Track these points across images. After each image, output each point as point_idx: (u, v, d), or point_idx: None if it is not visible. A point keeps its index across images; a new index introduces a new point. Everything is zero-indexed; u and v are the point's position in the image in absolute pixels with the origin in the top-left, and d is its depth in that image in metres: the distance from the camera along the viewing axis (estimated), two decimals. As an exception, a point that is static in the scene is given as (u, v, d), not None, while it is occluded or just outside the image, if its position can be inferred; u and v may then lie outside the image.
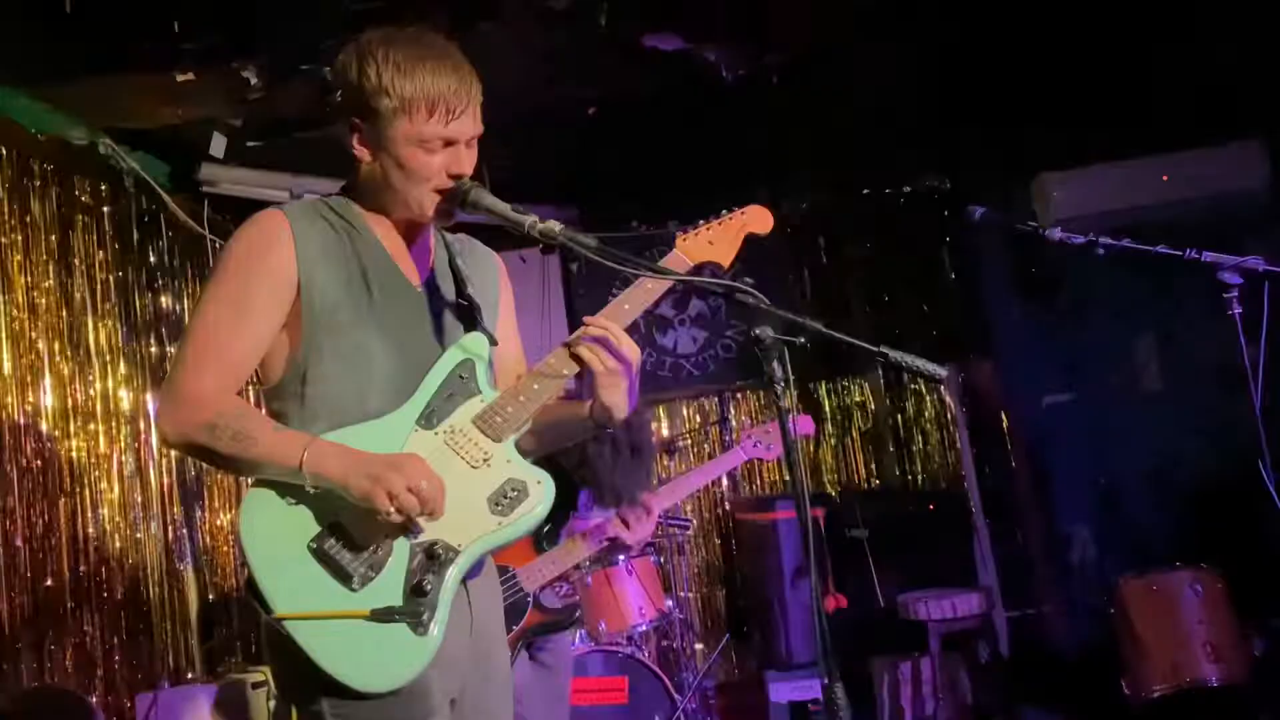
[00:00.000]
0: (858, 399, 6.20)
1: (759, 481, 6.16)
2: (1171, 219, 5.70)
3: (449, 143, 1.92)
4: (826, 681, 1.66)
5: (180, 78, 4.00)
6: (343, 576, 1.78)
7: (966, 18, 4.44)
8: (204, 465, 4.70)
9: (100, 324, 4.27)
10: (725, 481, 6.19)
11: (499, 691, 2.05)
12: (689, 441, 6.25)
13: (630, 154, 5.51)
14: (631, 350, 1.95)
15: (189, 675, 4.31)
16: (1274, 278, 2.32)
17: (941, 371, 1.77)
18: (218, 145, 4.52)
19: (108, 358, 4.27)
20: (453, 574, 1.81)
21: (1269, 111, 5.58)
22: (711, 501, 6.21)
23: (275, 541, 1.80)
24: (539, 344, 5.93)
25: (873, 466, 6.16)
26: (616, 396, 1.97)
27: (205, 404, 1.85)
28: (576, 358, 1.94)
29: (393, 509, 1.76)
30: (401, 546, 1.82)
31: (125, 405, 4.29)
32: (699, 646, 5.72)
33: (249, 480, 1.90)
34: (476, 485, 1.87)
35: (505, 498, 1.87)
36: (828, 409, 6.23)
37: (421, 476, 1.78)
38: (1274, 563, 4.36)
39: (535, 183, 5.74)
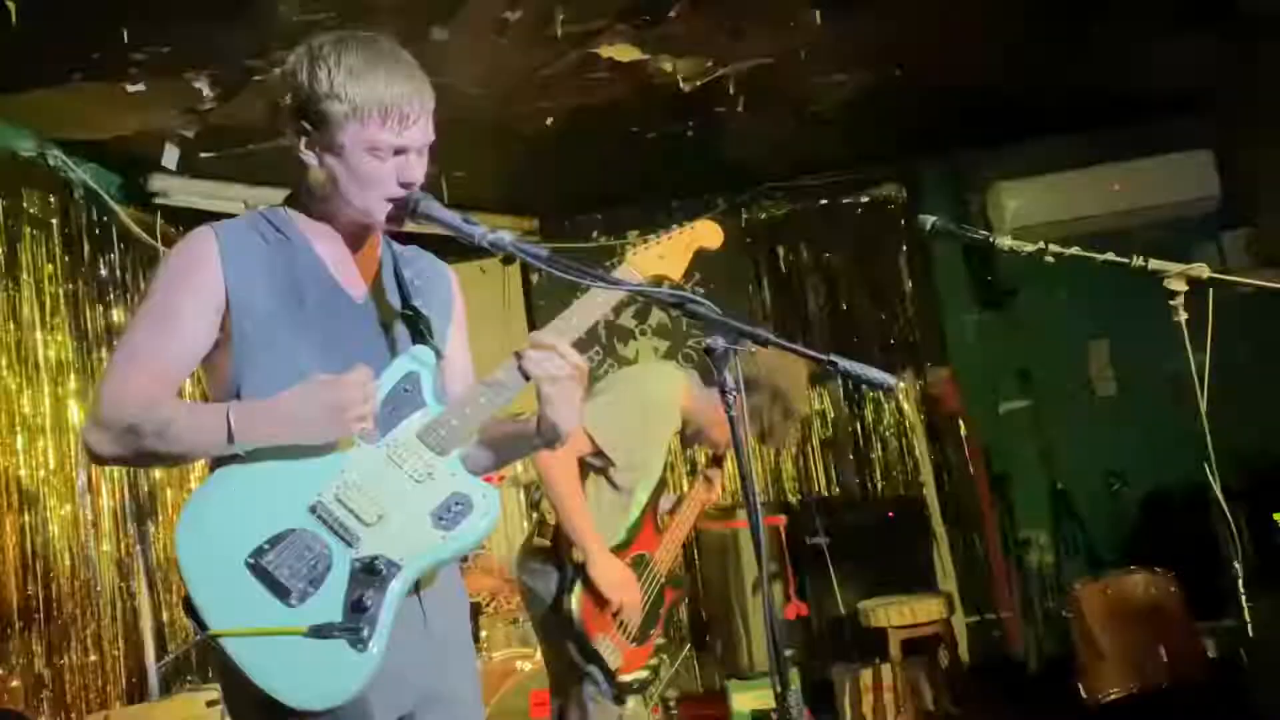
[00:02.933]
0: (817, 407, 6.22)
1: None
2: (1124, 227, 5.82)
3: (400, 150, 1.90)
4: (779, 690, 1.66)
5: (130, 88, 3.95)
6: (281, 592, 1.75)
7: (923, 27, 4.49)
8: (156, 480, 4.64)
9: (50, 338, 4.20)
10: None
11: (465, 702, 2.02)
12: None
13: (588, 165, 5.52)
14: (579, 365, 1.94)
15: (142, 695, 4.23)
16: (1218, 284, 2.36)
17: (890, 380, 1.77)
18: (170, 156, 4.47)
19: (57, 372, 4.20)
20: (395, 589, 1.79)
21: (1218, 123, 5.70)
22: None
23: (211, 557, 1.78)
24: (499, 355, 5.90)
25: (833, 474, 6.19)
26: (564, 412, 1.96)
27: (125, 406, 1.82)
28: (523, 372, 1.93)
29: (343, 421, 1.77)
30: (342, 561, 1.79)
31: (75, 420, 4.22)
32: (662, 657, 5.71)
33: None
34: (420, 499, 1.85)
35: (449, 511, 1.85)
36: (788, 417, 6.25)
37: (356, 384, 1.79)
38: (1225, 565, 4.42)
39: (494, 193, 5.74)
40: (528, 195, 5.97)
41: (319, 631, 1.73)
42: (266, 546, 1.78)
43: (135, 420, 1.81)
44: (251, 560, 1.77)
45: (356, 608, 1.76)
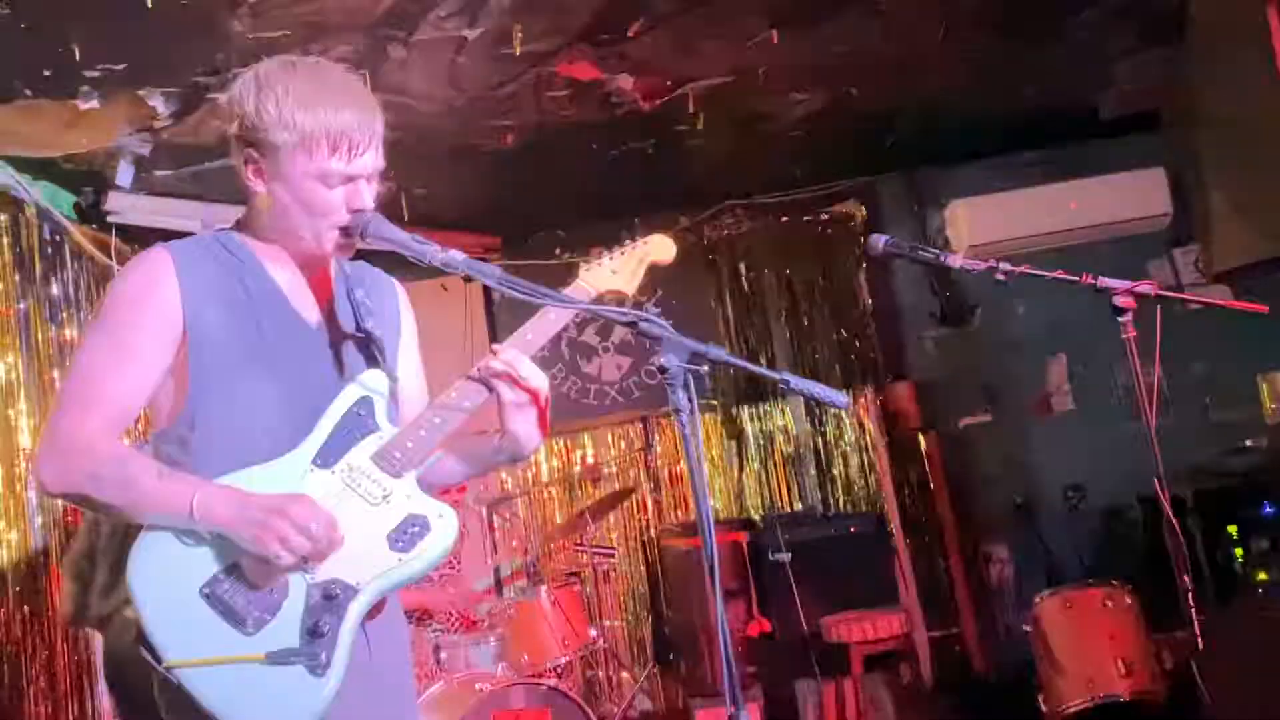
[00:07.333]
0: (780, 423, 6.24)
1: (684, 507, 6.16)
2: (1079, 244, 5.91)
3: (350, 178, 1.89)
4: (732, 710, 1.66)
5: (83, 105, 3.90)
6: (236, 620, 1.74)
7: (880, 47, 4.53)
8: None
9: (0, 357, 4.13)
10: (650, 507, 6.18)
11: None
12: (614, 469, 6.23)
13: (550, 182, 5.52)
14: (538, 379, 1.95)
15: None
16: (1165, 302, 2.39)
17: (842, 399, 1.78)
18: (124, 174, 4.41)
19: (7, 392, 4.12)
20: (352, 613, 1.78)
21: (1170, 142, 5.79)
22: (637, 528, 6.20)
23: (165, 587, 1.76)
24: (463, 372, 5.87)
25: (795, 490, 6.21)
26: (526, 426, 1.97)
27: (88, 452, 1.79)
28: (485, 385, 1.92)
29: (283, 553, 1.72)
30: (298, 587, 1.78)
31: (26, 441, 4.14)
32: (624, 675, 5.68)
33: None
34: (376, 523, 1.84)
35: (406, 534, 1.84)
36: (750, 433, 6.28)
37: (309, 518, 1.74)
38: (1180, 578, 4.46)
39: (454, 211, 5.72)
40: (489, 213, 5.95)
41: (277, 658, 1.72)
42: (222, 575, 1.76)
43: (100, 470, 1.78)
44: (206, 590, 1.75)
45: (314, 633, 1.75)
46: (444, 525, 1.86)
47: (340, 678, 1.75)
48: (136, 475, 1.79)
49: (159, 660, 1.71)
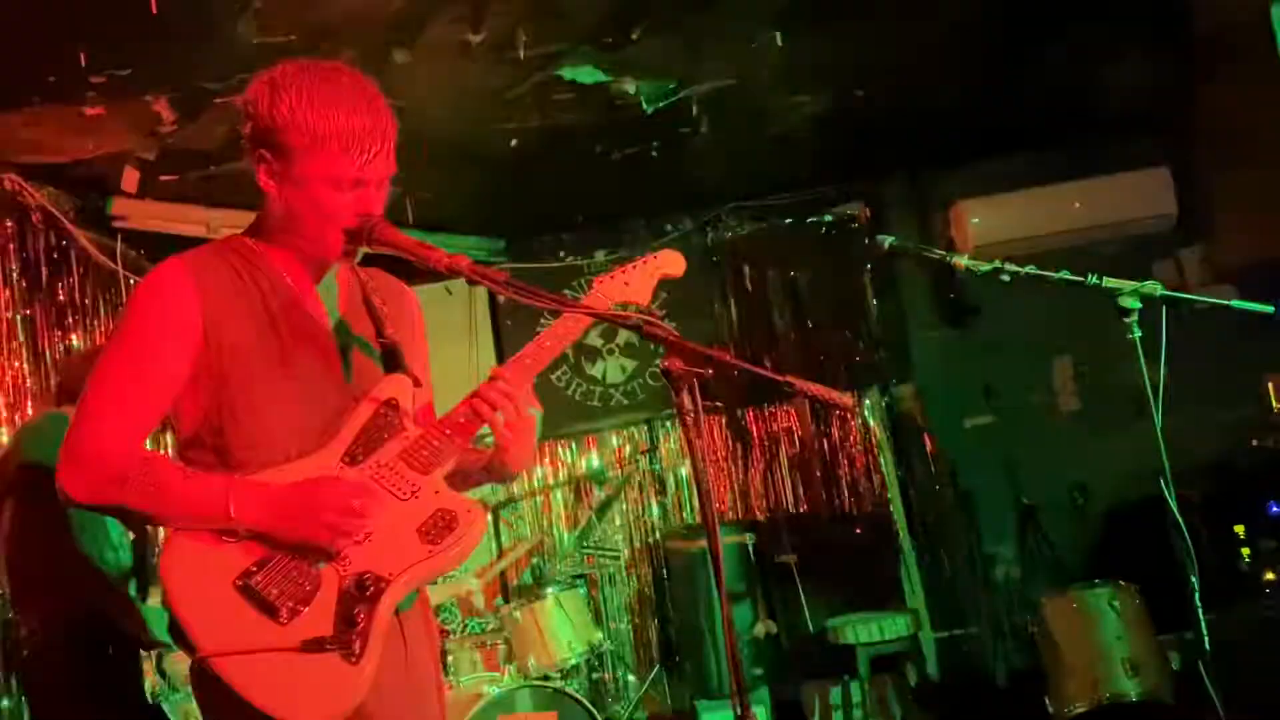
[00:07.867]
0: (785, 425, 6.24)
1: (689, 509, 6.16)
2: (1085, 244, 5.90)
3: (361, 183, 1.90)
4: (739, 713, 1.66)
5: (89, 111, 3.92)
6: (270, 611, 1.76)
7: (889, 44, 4.53)
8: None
9: (6, 364, 4.14)
10: (655, 510, 6.18)
11: None
12: (619, 471, 6.23)
13: (553, 185, 5.52)
14: (529, 410, 1.98)
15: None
16: (1171, 301, 2.39)
17: (846, 401, 1.79)
18: (129, 179, 4.42)
19: (15, 399, 4.14)
20: (384, 604, 1.81)
21: (1175, 142, 5.79)
22: (642, 531, 6.20)
23: (200, 579, 1.79)
24: (466, 375, 5.89)
25: (800, 492, 6.21)
26: (512, 454, 2.01)
27: (111, 461, 1.82)
28: (478, 414, 1.96)
29: (337, 540, 1.79)
30: (331, 579, 1.81)
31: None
32: (631, 678, 5.69)
33: None
34: (405, 517, 1.87)
35: (435, 527, 1.87)
36: (756, 435, 6.27)
37: (347, 496, 1.80)
38: (1187, 578, 4.45)
39: (460, 214, 5.73)
40: (494, 215, 5.96)
41: (311, 646, 1.74)
42: (254, 568, 1.79)
43: (124, 476, 1.81)
44: (240, 581, 1.78)
45: (347, 622, 1.77)
46: (473, 519, 1.89)
47: (374, 666, 1.77)
48: (165, 480, 1.82)
49: (193, 650, 1.74)
